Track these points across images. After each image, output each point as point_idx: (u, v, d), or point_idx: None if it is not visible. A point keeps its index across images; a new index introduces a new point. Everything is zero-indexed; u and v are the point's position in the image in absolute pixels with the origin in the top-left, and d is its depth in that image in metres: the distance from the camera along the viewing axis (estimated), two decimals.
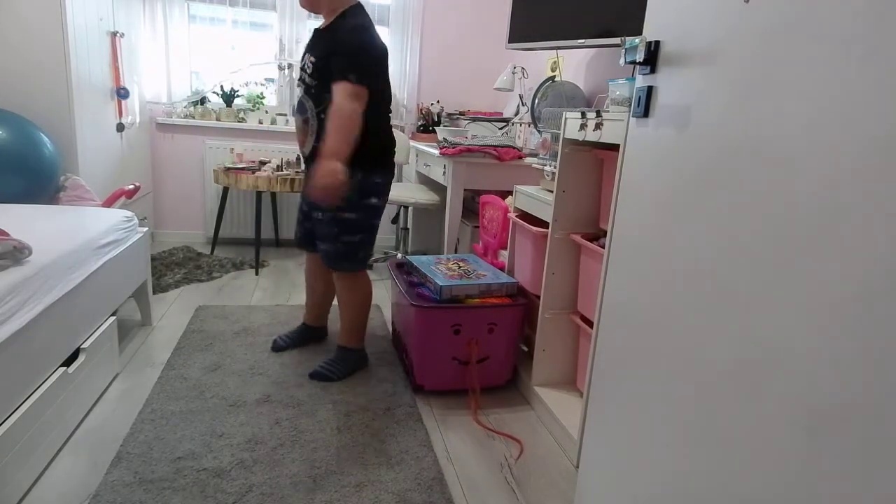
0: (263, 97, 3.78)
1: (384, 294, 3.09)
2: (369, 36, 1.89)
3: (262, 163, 3.48)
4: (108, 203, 2.53)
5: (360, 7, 1.97)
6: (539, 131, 2.26)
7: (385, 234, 4.15)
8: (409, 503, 1.47)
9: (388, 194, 2.05)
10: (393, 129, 2.09)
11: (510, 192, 2.32)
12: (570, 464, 1.70)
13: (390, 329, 2.57)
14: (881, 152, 0.66)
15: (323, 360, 2.16)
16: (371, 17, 1.99)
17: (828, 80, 0.74)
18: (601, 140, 1.60)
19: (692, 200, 0.99)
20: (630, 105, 1.32)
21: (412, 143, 3.49)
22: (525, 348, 2.24)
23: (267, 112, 3.80)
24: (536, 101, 2.53)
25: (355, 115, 1.81)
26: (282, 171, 3.34)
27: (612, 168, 1.67)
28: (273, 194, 3.82)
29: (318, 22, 2.24)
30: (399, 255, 3.43)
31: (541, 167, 2.03)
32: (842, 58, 0.72)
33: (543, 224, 1.93)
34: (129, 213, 2.20)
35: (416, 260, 2.24)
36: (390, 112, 2.04)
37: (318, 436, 1.72)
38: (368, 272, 2.89)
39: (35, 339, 1.44)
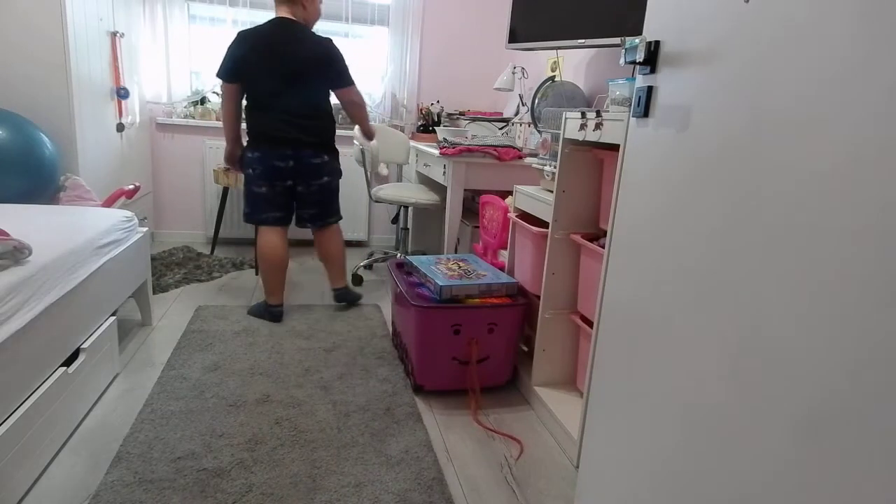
0: None
1: (384, 294, 3.09)
2: (233, 42, 2.41)
3: None
4: (108, 203, 2.53)
5: (274, 19, 2.43)
6: (539, 131, 2.26)
7: (385, 234, 4.15)
8: (409, 503, 1.47)
9: (258, 169, 2.47)
10: (273, 121, 2.45)
11: (510, 192, 2.32)
12: (570, 464, 1.70)
13: (390, 329, 2.57)
14: (881, 153, 0.66)
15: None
16: (261, 28, 2.42)
17: (828, 80, 0.74)
18: (601, 140, 1.60)
19: (692, 200, 0.99)
20: (630, 105, 1.32)
21: (412, 143, 3.49)
22: (525, 348, 2.24)
23: None
24: (536, 101, 2.53)
25: (223, 104, 2.51)
26: None
27: (612, 168, 1.67)
28: None
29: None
30: (399, 255, 3.43)
31: (541, 167, 2.03)
32: (842, 58, 0.72)
33: (543, 224, 1.93)
34: (129, 213, 2.20)
35: (416, 260, 2.24)
36: (264, 106, 2.44)
37: (318, 436, 1.72)
38: (368, 271, 2.91)
39: (35, 339, 1.44)
